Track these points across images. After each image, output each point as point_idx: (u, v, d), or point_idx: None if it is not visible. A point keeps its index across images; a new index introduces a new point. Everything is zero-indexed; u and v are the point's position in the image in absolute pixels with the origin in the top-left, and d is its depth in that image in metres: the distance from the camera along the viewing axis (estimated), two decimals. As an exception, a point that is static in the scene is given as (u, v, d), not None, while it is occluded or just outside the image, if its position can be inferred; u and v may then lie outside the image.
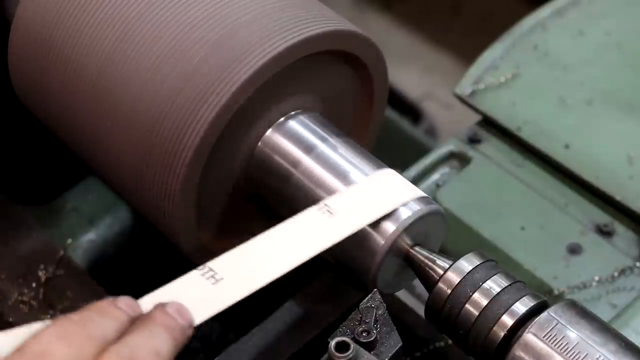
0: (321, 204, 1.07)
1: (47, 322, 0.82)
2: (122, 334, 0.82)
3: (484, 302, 1.02)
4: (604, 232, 1.32)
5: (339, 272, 1.16)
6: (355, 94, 1.25)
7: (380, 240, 1.06)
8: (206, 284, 0.94)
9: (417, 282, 1.10)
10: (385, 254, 1.06)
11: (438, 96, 2.55)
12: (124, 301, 0.85)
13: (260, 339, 1.15)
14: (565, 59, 1.50)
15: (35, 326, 0.81)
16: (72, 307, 1.27)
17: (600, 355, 0.96)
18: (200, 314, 0.91)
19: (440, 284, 1.04)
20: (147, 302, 0.89)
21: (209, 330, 1.45)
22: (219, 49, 1.08)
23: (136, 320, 0.84)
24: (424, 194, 1.10)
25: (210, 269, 0.96)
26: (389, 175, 1.12)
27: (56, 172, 1.54)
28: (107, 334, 0.81)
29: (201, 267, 0.96)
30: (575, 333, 0.98)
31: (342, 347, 0.95)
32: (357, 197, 1.09)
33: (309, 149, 1.14)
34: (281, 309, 1.18)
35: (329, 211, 1.06)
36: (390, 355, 0.99)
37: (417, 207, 1.08)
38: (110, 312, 0.83)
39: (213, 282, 0.95)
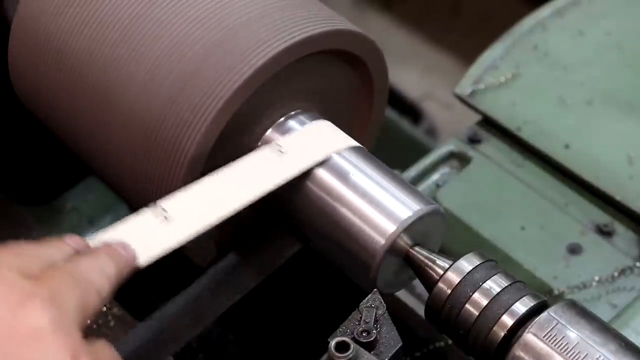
0: (273, 143, 1.10)
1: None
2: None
3: (484, 302, 1.01)
4: (604, 232, 1.32)
5: (339, 272, 1.16)
6: (355, 94, 1.25)
7: (380, 240, 1.06)
8: (156, 223, 0.98)
9: (417, 282, 1.10)
10: (385, 254, 1.06)
11: (438, 96, 2.55)
12: (72, 238, 0.92)
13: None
14: (565, 59, 1.50)
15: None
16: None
17: (600, 355, 0.96)
18: (150, 252, 0.95)
19: (440, 284, 1.04)
20: (97, 240, 0.94)
21: (208, 331, 1.45)
22: (219, 49, 1.08)
23: (82, 252, 0.91)
24: (355, 143, 1.14)
25: (162, 209, 0.99)
26: (326, 124, 1.16)
27: (56, 172, 1.54)
28: (55, 258, 0.88)
29: (153, 205, 0.99)
30: (575, 333, 0.98)
31: (342, 347, 0.95)
32: (304, 141, 1.12)
33: (309, 149, 1.14)
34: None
35: (279, 150, 1.09)
36: (390, 355, 0.99)
37: (417, 207, 1.08)
38: (58, 245, 0.90)
39: (162, 220, 0.98)
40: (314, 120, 1.17)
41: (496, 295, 1.02)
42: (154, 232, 0.97)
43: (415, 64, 2.74)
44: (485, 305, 1.01)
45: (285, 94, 1.16)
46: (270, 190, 1.06)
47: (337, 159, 1.12)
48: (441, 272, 1.05)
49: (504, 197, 1.37)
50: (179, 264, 1.33)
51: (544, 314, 0.99)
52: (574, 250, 1.30)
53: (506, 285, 1.03)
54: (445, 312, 1.04)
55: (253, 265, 1.18)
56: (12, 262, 0.83)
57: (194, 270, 1.27)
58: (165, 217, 0.98)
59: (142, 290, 1.54)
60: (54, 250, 0.89)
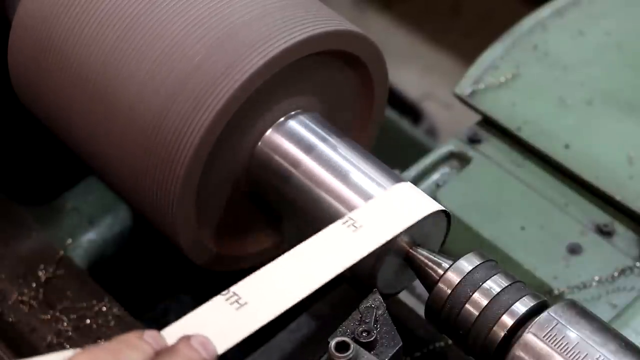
0: (346, 217, 1.05)
1: (79, 350, 0.85)
2: None
3: (484, 302, 1.02)
4: (604, 232, 1.32)
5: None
6: (355, 94, 1.25)
7: (380, 240, 1.06)
8: (230, 310, 0.94)
9: (417, 282, 1.10)
10: (385, 254, 1.06)
11: (438, 96, 2.55)
12: (150, 334, 0.88)
13: (278, 351, 1.16)
14: (565, 59, 1.50)
15: (66, 353, 0.84)
16: (72, 307, 1.28)
17: (600, 355, 0.96)
18: (225, 341, 0.91)
19: (440, 284, 1.04)
20: (172, 332, 0.90)
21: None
22: (220, 49, 1.08)
23: (162, 352, 0.87)
24: (441, 207, 1.09)
25: (235, 294, 0.95)
26: (406, 188, 1.10)
27: (56, 172, 1.54)
28: None
29: (225, 292, 0.95)
30: (575, 333, 0.98)
31: (342, 347, 0.95)
32: (380, 211, 1.07)
33: (309, 148, 1.14)
34: (296, 322, 1.18)
35: (353, 225, 1.04)
36: (390, 355, 0.99)
37: (417, 207, 1.08)
38: (137, 344, 0.86)
39: (237, 307, 0.94)
40: (314, 120, 1.17)
41: (496, 295, 1.02)
42: (227, 319, 0.93)
43: (415, 64, 2.74)
44: (485, 305, 1.01)
45: (285, 94, 1.16)
46: (345, 268, 1.01)
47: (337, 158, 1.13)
48: (441, 272, 1.05)
49: (504, 197, 1.37)
50: (179, 264, 1.33)
51: (544, 314, 0.99)
52: (574, 250, 1.30)
53: (506, 285, 1.03)
54: (445, 312, 1.04)
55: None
56: None
57: (194, 270, 1.27)
58: (239, 303, 0.94)
59: (142, 290, 1.54)
60: (133, 354, 0.85)
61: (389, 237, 1.05)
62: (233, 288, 0.96)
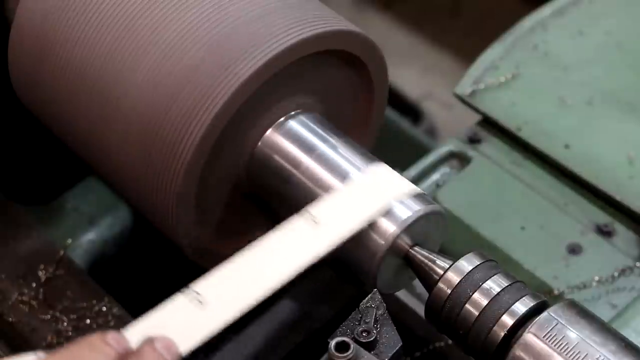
0: (305, 213, 1.05)
1: (40, 354, 0.84)
2: None
3: (484, 302, 1.01)
4: (604, 232, 1.32)
5: (339, 272, 1.16)
6: (355, 94, 1.25)
7: (380, 240, 1.06)
8: (192, 309, 0.93)
9: (417, 282, 1.10)
10: (385, 254, 1.06)
11: (438, 96, 2.55)
12: (113, 337, 0.87)
13: (256, 337, 1.15)
14: (565, 59, 1.50)
15: (28, 358, 0.83)
16: (72, 307, 1.28)
17: (600, 355, 0.96)
18: (188, 342, 0.90)
19: (440, 284, 1.04)
20: (135, 333, 0.90)
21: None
22: (219, 49, 1.08)
23: (125, 356, 0.86)
24: (418, 190, 1.09)
25: (196, 293, 0.95)
26: (380, 172, 1.09)
27: (56, 172, 1.54)
28: None
29: (186, 290, 0.95)
30: (575, 333, 0.98)
31: (342, 347, 0.95)
32: (344, 202, 1.06)
33: (309, 148, 1.14)
34: (277, 307, 1.17)
35: (314, 221, 1.04)
36: (390, 355, 0.99)
37: (417, 207, 1.07)
38: (99, 347, 0.86)
39: (199, 306, 0.94)
40: (314, 120, 1.17)
41: (496, 295, 1.02)
42: (190, 319, 0.93)
43: (415, 64, 2.74)
44: (485, 305, 1.01)
45: (285, 94, 1.16)
46: (307, 264, 1.01)
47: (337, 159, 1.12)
48: (441, 272, 1.05)
49: (504, 197, 1.37)
50: (179, 264, 1.33)
51: (544, 314, 0.99)
52: (574, 250, 1.30)
53: (506, 285, 1.03)
54: (445, 312, 1.04)
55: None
56: None
57: (194, 270, 1.27)
58: (200, 302, 0.94)
59: (142, 290, 1.54)
60: (95, 357, 0.85)
61: (353, 230, 1.04)
62: (194, 286, 0.95)
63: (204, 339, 0.92)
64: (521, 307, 1.01)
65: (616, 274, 1.28)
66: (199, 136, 1.07)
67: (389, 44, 2.37)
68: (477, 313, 1.01)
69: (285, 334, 1.16)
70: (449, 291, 1.03)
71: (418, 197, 1.09)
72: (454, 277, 1.03)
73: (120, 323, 1.26)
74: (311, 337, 1.15)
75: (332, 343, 0.96)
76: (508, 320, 1.00)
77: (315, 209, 1.05)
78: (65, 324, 1.26)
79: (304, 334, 1.15)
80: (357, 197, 1.08)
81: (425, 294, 1.07)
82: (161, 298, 1.41)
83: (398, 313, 1.24)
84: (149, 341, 0.88)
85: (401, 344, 1.00)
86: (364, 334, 0.99)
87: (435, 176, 1.43)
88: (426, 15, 2.88)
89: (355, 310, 1.02)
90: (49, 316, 1.27)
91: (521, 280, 1.04)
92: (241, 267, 0.99)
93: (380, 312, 1.01)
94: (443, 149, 1.44)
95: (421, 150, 1.62)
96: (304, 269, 1.01)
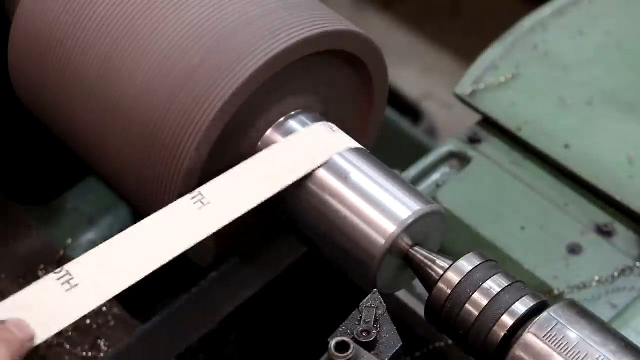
0: (196, 192, 1.01)
1: None
2: None
3: (484, 302, 1.01)
4: (604, 232, 1.32)
5: (339, 272, 1.16)
6: (355, 94, 1.25)
7: (380, 240, 1.06)
8: (60, 291, 0.90)
9: (417, 282, 1.10)
10: (385, 254, 1.06)
11: (438, 96, 2.55)
12: None
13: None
14: (565, 59, 1.50)
15: None
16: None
17: (600, 355, 0.96)
18: (51, 326, 0.88)
19: (440, 284, 1.04)
20: None
21: (208, 330, 1.45)
22: (219, 49, 1.08)
23: None
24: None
25: (67, 272, 0.92)
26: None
27: (56, 172, 1.54)
28: None
29: (58, 270, 0.92)
30: (575, 333, 0.98)
31: (342, 347, 0.95)
32: (234, 182, 1.03)
33: (309, 149, 1.14)
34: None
35: (201, 202, 1.00)
36: (390, 355, 0.99)
37: (417, 207, 1.07)
38: None
39: (67, 287, 0.91)
40: (314, 120, 1.17)
41: (496, 295, 1.02)
42: (56, 301, 0.89)
43: (415, 64, 2.74)
44: (485, 305, 1.01)
45: (285, 95, 1.16)
46: (189, 247, 0.97)
47: (337, 159, 1.12)
48: (441, 272, 1.05)
49: (504, 197, 1.37)
50: (178, 264, 1.33)
51: (544, 314, 0.99)
52: (574, 250, 1.30)
53: (506, 285, 1.02)
54: (445, 312, 1.03)
55: (255, 269, 1.18)
56: None
57: (194, 270, 1.27)
58: (70, 283, 0.91)
59: (142, 290, 1.54)
60: None
61: (239, 214, 1.00)
62: (67, 266, 0.92)
63: (67, 325, 0.90)
64: (521, 307, 1.01)
65: (616, 274, 1.28)
66: (199, 136, 1.07)
67: (388, 43, 2.37)
68: (477, 313, 1.01)
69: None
70: (449, 291, 1.03)
71: (418, 197, 1.09)
72: (454, 277, 1.03)
73: (121, 323, 1.26)
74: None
75: (332, 343, 0.95)
76: (508, 320, 1.00)
77: (205, 189, 1.01)
78: (65, 324, 1.26)
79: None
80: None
81: (425, 294, 1.07)
82: (161, 298, 1.42)
83: (398, 313, 1.24)
84: (0, 322, 0.88)
85: (401, 344, 1.00)
86: (364, 334, 0.99)
87: (435, 176, 1.43)
88: (426, 15, 2.88)
89: (355, 310, 1.02)
90: (49, 316, 1.26)
91: (521, 280, 1.04)
92: (117, 247, 0.95)
93: (380, 312, 1.01)
94: (443, 149, 1.44)
95: (421, 150, 1.62)
96: (185, 250, 0.97)
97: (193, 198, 1.00)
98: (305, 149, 1.06)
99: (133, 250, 0.95)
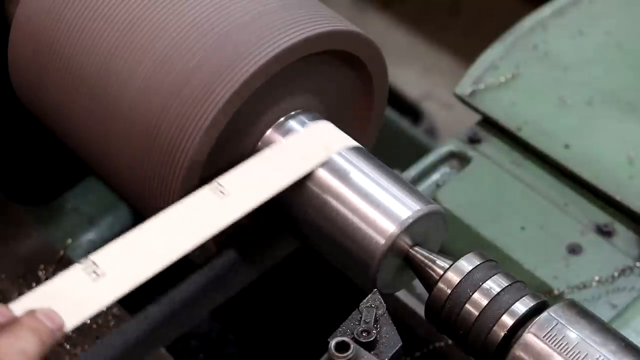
0: (214, 182, 1.04)
1: None
2: None
3: (484, 302, 1.01)
4: (604, 232, 1.32)
5: (339, 271, 1.16)
6: (355, 94, 1.25)
7: (380, 240, 1.06)
8: (87, 281, 0.93)
9: (417, 282, 1.10)
10: (385, 254, 1.06)
11: (438, 96, 2.55)
12: None
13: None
14: (565, 59, 1.50)
15: None
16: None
17: (600, 355, 0.96)
18: (78, 314, 0.90)
19: (440, 284, 1.04)
20: (23, 304, 0.90)
21: (208, 330, 1.45)
22: (219, 49, 1.08)
23: (6, 325, 0.87)
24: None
25: (93, 263, 0.94)
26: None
27: (56, 172, 1.54)
28: None
29: (84, 260, 0.94)
30: (575, 333, 0.98)
31: (342, 347, 0.95)
32: (253, 173, 1.06)
33: (309, 149, 1.14)
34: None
35: (221, 192, 1.03)
36: (390, 355, 0.99)
37: (417, 207, 1.07)
38: None
39: (94, 277, 0.93)
40: (314, 120, 1.17)
41: (496, 295, 1.02)
42: (83, 290, 0.92)
43: (415, 64, 2.74)
44: (485, 305, 1.01)
45: (285, 95, 1.16)
46: (211, 235, 0.99)
47: (337, 158, 1.12)
48: (441, 272, 1.05)
49: (504, 197, 1.37)
50: (178, 263, 1.33)
51: (544, 314, 0.99)
52: (574, 250, 1.30)
53: (506, 285, 1.03)
54: (445, 312, 1.04)
55: (249, 263, 1.18)
56: None
57: (193, 269, 1.27)
58: (96, 273, 0.93)
59: (141, 289, 1.54)
60: None
61: (258, 202, 1.03)
62: (92, 256, 0.94)
63: (95, 311, 0.92)
64: (521, 307, 1.01)
65: (616, 274, 1.28)
66: (198, 136, 1.07)
67: (388, 43, 2.37)
68: (477, 313, 1.01)
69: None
70: (449, 291, 1.03)
71: (418, 197, 1.09)
72: (454, 277, 1.03)
73: (121, 323, 1.26)
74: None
75: (332, 343, 0.95)
76: (508, 320, 1.00)
77: (224, 179, 1.04)
78: (65, 324, 1.26)
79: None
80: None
81: (425, 294, 1.07)
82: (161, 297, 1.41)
83: (398, 313, 1.24)
84: (30, 311, 0.89)
85: (401, 344, 1.00)
86: (364, 334, 0.99)
87: (435, 176, 1.43)
88: (425, 15, 2.88)
89: (355, 310, 1.02)
90: (49, 316, 1.26)
91: (521, 280, 1.04)
92: (141, 238, 0.98)
93: (380, 312, 1.01)
94: (443, 149, 1.44)
95: (421, 150, 1.62)
96: (207, 239, 1.00)
97: (212, 189, 1.03)
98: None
99: (157, 238, 0.98)
